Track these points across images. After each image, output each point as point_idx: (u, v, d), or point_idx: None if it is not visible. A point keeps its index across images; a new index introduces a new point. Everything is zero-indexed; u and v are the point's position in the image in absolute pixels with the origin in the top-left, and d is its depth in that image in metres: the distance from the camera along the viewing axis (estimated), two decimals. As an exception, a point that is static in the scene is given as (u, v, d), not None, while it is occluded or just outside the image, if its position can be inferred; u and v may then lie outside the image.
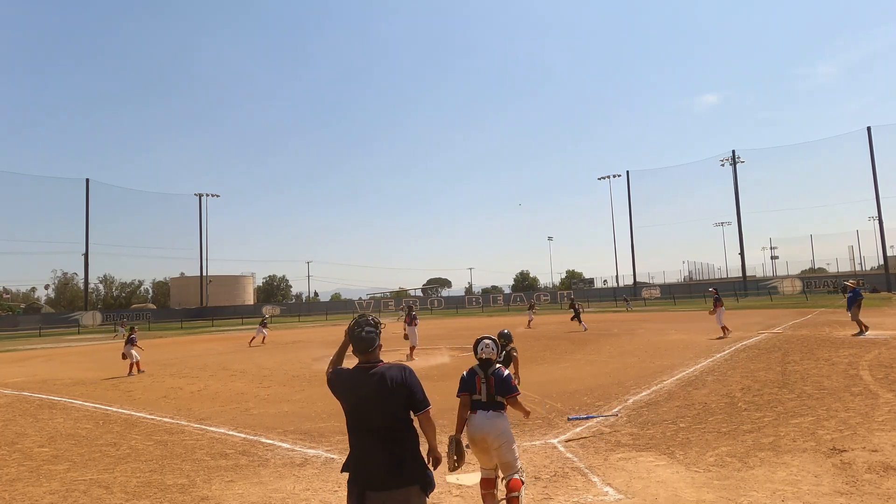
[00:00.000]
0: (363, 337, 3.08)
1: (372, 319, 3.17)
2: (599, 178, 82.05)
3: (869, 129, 58.97)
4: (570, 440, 6.75)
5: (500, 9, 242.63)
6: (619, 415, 7.94)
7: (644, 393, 9.47)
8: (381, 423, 2.97)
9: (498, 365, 4.62)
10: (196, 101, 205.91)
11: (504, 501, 4.33)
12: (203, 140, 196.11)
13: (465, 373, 4.62)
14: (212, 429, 8.32)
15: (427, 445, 3.18)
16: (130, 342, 16.19)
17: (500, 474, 4.45)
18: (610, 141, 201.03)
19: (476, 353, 4.68)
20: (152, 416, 9.48)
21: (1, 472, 6.42)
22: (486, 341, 4.68)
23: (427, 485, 2.97)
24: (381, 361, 3.13)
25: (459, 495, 5.05)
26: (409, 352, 16.83)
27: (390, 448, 2.94)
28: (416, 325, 17.21)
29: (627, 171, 77.70)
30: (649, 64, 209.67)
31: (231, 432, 8.05)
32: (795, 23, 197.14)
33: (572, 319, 25.24)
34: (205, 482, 5.74)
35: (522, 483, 4.34)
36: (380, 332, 3.18)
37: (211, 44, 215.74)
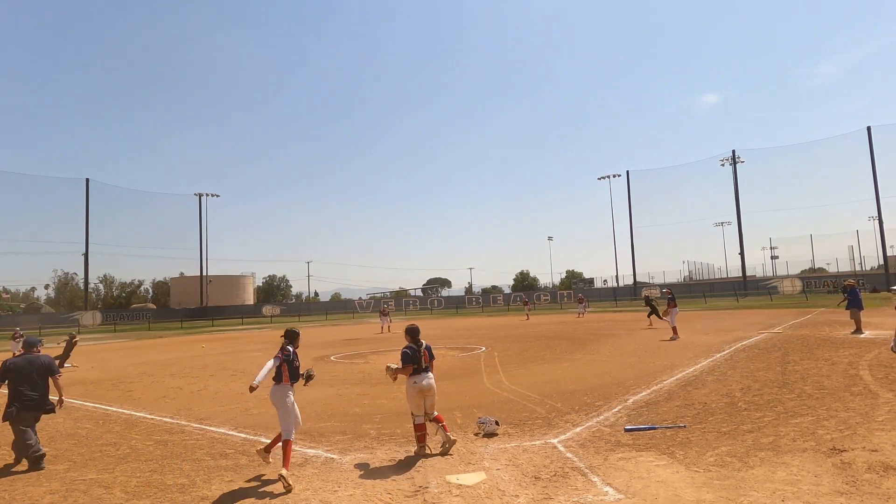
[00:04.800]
0: (30, 342, 7.11)
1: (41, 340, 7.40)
2: (599, 178, 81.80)
3: (869, 129, 58.91)
4: (570, 440, 6.75)
5: (500, 9, 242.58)
6: (687, 426, 7.07)
7: (644, 393, 9.47)
8: (38, 381, 6.70)
9: (423, 342, 6.53)
10: (196, 101, 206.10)
11: (438, 428, 6.47)
12: (203, 140, 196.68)
13: (408, 350, 6.41)
14: (212, 429, 8.33)
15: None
16: None
17: (426, 413, 6.42)
18: (610, 141, 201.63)
19: (412, 335, 6.58)
20: (152, 416, 9.48)
21: (1, 472, 6.43)
22: (415, 326, 6.67)
23: (51, 410, 6.81)
24: (39, 352, 7.03)
25: (459, 495, 5.05)
26: None
27: (39, 394, 6.67)
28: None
29: (627, 171, 77.58)
30: (649, 64, 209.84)
31: (231, 432, 8.06)
32: (795, 23, 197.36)
33: (649, 316, 24.92)
34: (205, 482, 5.74)
35: None
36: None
37: (211, 44, 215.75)
